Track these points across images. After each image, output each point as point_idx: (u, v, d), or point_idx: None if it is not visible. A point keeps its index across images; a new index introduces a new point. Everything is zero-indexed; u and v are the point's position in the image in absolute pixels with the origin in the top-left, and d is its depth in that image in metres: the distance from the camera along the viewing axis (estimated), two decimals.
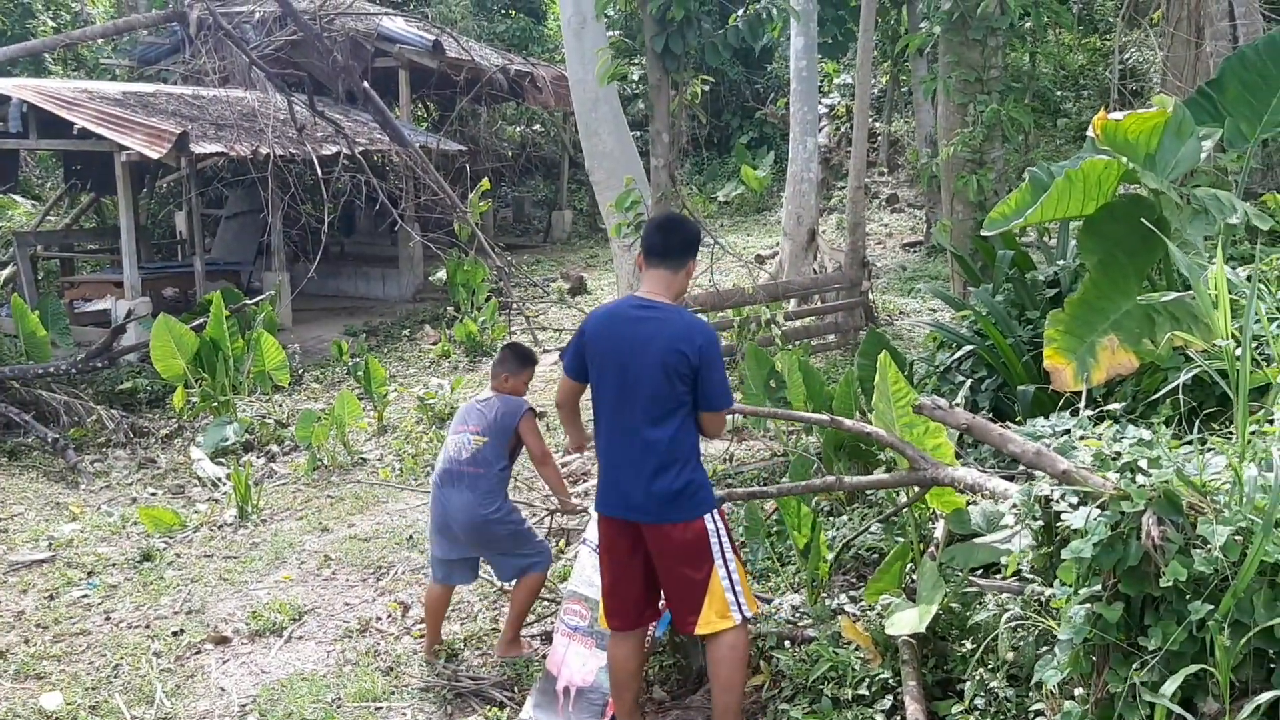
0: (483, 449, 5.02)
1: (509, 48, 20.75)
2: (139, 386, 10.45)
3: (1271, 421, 3.21)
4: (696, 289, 10.27)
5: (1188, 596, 2.60)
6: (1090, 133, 5.11)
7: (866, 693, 4.07)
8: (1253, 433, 3.02)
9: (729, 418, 4.90)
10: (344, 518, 7.44)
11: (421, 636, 5.48)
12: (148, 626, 5.86)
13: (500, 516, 5.02)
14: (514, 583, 5.20)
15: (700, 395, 3.91)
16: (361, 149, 13.29)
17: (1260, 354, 3.95)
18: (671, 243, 4.06)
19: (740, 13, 7.83)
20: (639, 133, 12.55)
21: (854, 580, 5.07)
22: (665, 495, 3.88)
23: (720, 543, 3.95)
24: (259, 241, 15.54)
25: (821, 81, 17.38)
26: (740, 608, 3.96)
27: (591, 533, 4.73)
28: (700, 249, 4.25)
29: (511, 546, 5.10)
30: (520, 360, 5.29)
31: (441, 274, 14.17)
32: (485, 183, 14.85)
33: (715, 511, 3.98)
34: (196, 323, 10.23)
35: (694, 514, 3.91)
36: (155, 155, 11.68)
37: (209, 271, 13.31)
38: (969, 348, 6.13)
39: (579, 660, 4.51)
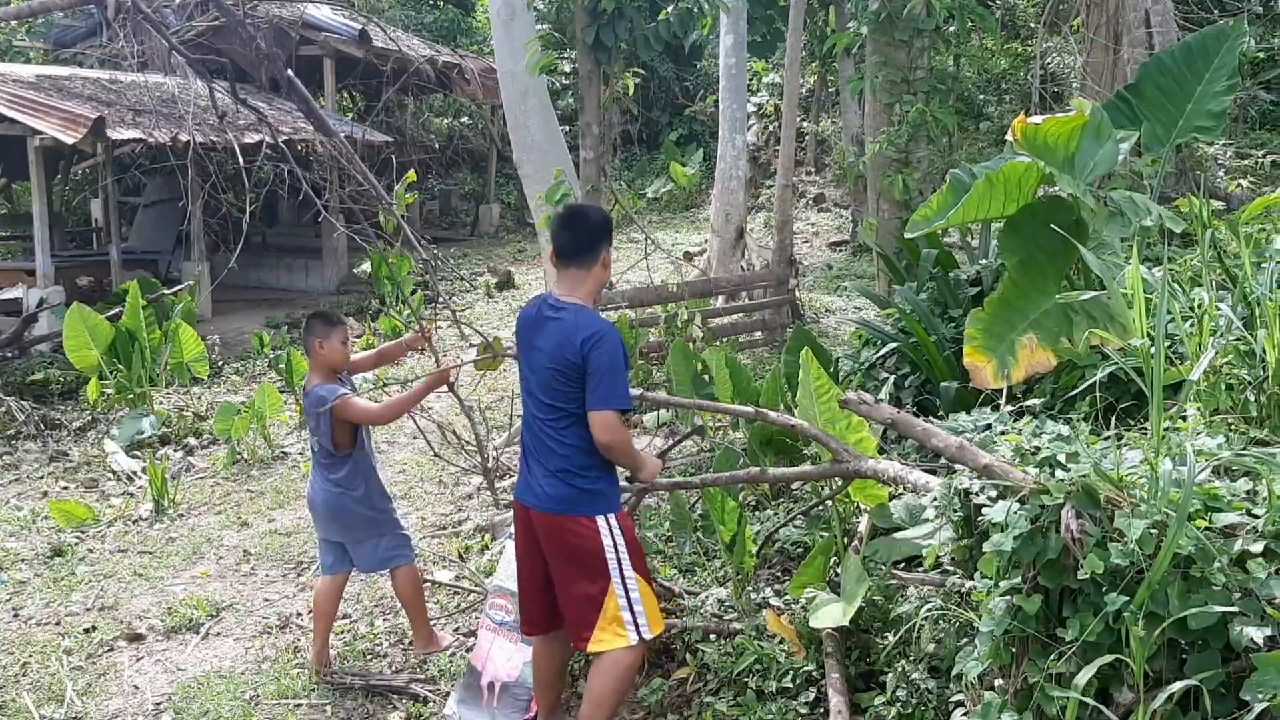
0: (320, 447, 4.93)
1: (437, 39, 20.56)
2: (51, 377, 10.15)
3: (1185, 417, 3.29)
4: (625, 284, 10.28)
5: (1104, 588, 2.65)
6: (1010, 136, 5.19)
7: (790, 685, 4.11)
8: (1167, 428, 3.09)
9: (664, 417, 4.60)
10: (264, 512, 7.31)
11: (343, 633, 5.41)
12: (58, 624, 5.70)
13: (358, 497, 4.92)
14: (388, 577, 5.14)
15: (585, 393, 3.70)
16: (285, 138, 13.01)
17: (1174, 352, 4.05)
18: (579, 240, 3.86)
19: (671, 7, 7.83)
20: (568, 126, 12.52)
21: (779, 574, 5.11)
22: (557, 487, 3.75)
23: (618, 557, 3.74)
24: (178, 231, 15.18)
25: (750, 80, 17.49)
26: (638, 628, 3.74)
27: None
28: (614, 237, 4.01)
29: (368, 533, 4.98)
30: (326, 321, 5.02)
31: (366, 266, 14.00)
32: (411, 174, 14.61)
33: (613, 517, 3.78)
34: (112, 312, 9.97)
35: (582, 511, 3.75)
36: (70, 140, 11.37)
37: (126, 260, 12.99)
38: (893, 345, 6.20)
39: (504, 655, 4.48)
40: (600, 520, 3.75)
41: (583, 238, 3.87)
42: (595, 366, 3.64)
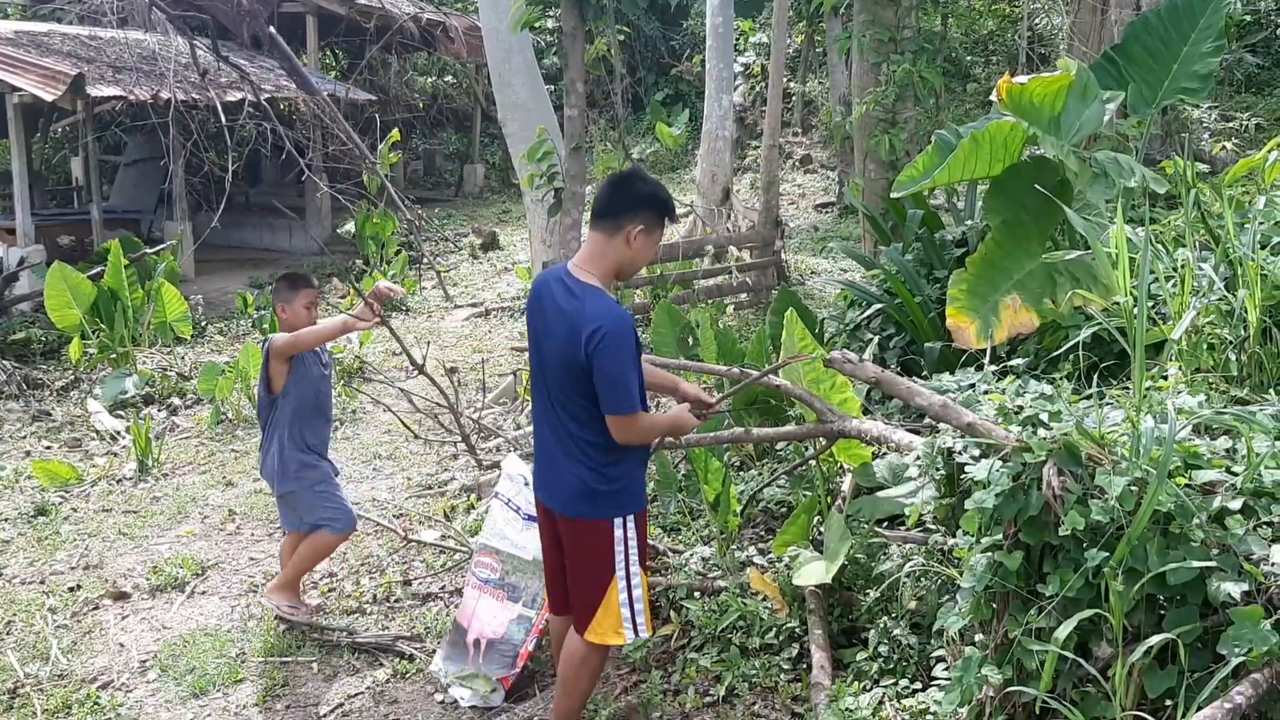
0: (259, 394, 5.03)
1: None
2: (33, 337, 10.09)
3: (1166, 376, 3.31)
4: None
5: (1085, 545, 2.67)
6: (995, 97, 5.17)
7: (774, 641, 4.15)
8: (1149, 387, 3.11)
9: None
10: (249, 471, 7.30)
11: (330, 591, 5.43)
12: (42, 582, 5.70)
13: (277, 449, 4.91)
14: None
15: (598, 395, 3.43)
16: (267, 96, 12.94)
17: (1156, 312, 4.07)
18: (611, 201, 3.48)
19: None
20: (553, 85, 12.43)
21: (763, 533, 5.14)
22: (577, 489, 3.54)
23: (626, 554, 3.58)
24: (160, 189, 15.08)
25: (737, 40, 17.37)
26: (636, 627, 3.62)
27: (503, 486, 4.71)
28: (659, 216, 3.53)
29: (285, 490, 4.95)
30: (290, 284, 4.95)
31: (350, 226, 13.94)
32: (395, 134, 14.59)
33: (631, 518, 3.58)
34: (93, 272, 9.91)
35: (602, 514, 3.56)
36: (49, 97, 11.24)
37: (107, 219, 12.89)
38: (878, 306, 6.21)
39: (490, 613, 4.50)
40: (618, 522, 3.56)
41: (615, 200, 3.49)
42: (600, 372, 3.36)
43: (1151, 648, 2.54)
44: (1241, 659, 2.41)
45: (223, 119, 11.98)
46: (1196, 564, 2.53)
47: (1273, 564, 2.49)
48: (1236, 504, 2.62)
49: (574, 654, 3.71)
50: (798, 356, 4.44)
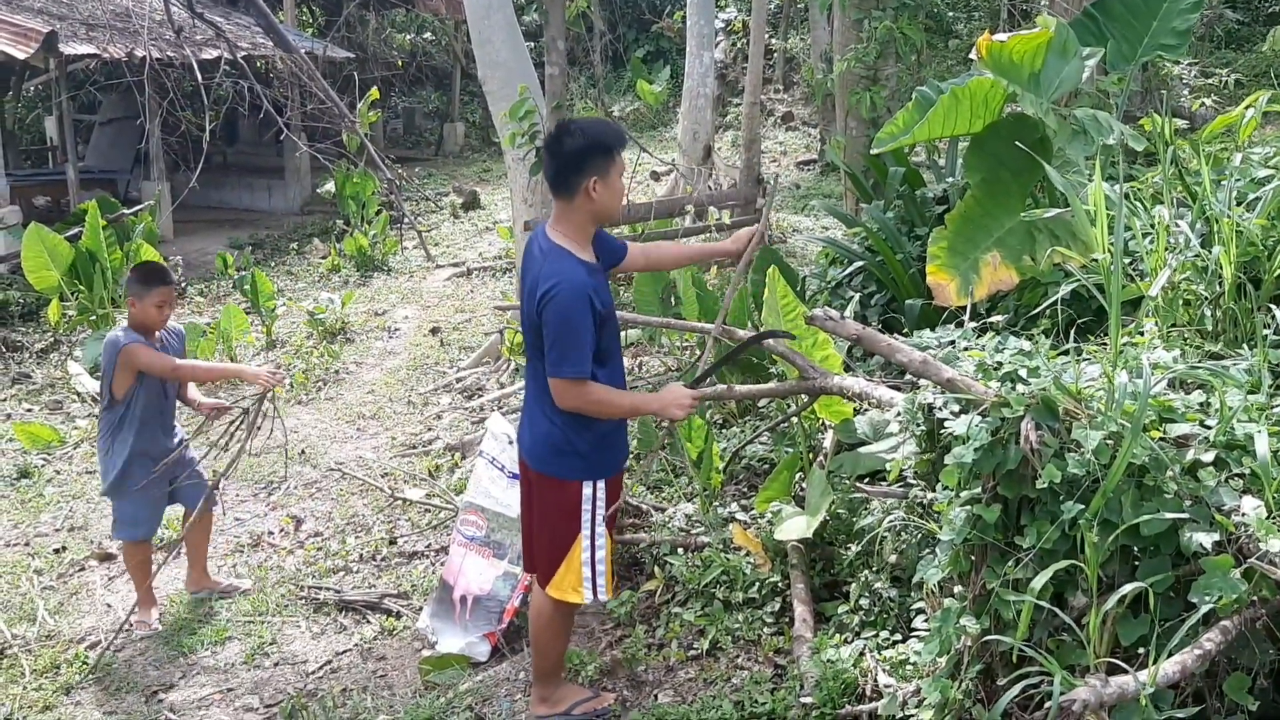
0: (101, 387, 4.81)
1: None
2: (10, 299, 10.05)
3: (1142, 332, 3.35)
4: None
5: (1061, 497, 2.72)
6: (974, 54, 5.16)
7: (756, 596, 4.21)
8: (1125, 343, 3.15)
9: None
10: (232, 433, 7.29)
11: (317, 550, 5.47)
12: (27, 544, 5.72)
13: (101, 457, 4.81)
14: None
15: None
16: (244, 54, 12.79)
17: (1134, 269, 4.11)
18: (556, 168, 3.47)
19: None
20: (533, 42, 12.34)
21: (745, 490, 5.19)
22: (545, 444, 3.58)
23: (594, 514, 3.61)
24: (136, 149, 14.90)
25: None
26: (596, 588, 3.65)
27: (488, 445, 4.74)
28: (607, 155, 3.46)
29: (111, 494, 4.85)
30: (142, 279, 4.68)
31: (330, 186, 13.84)
32: (374, 92, 14.46)
33: (601, 484, 3.62)
34: (71, 233, 9.84)
35: (570, 474, 3.59)
36: (21, 55, 11.10)
37: (84, 180, 12.76)
38: (859, 263, 6.23)
39: (476, 570, 4.55)
40: (586, 486, 3.59)
41: (559, 165, 3.46)
42: (546, 331, 3.38)
43: (1125, 597, 2.59)
44: (1211, 607, 2.46)
45: (199, 77, 11.82)
46: (1169, 515, 2.58)
47: (1243, 515, 2.54)
48: (1209, 456, 2.67)
49: (541, 611, 3.76)
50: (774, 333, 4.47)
